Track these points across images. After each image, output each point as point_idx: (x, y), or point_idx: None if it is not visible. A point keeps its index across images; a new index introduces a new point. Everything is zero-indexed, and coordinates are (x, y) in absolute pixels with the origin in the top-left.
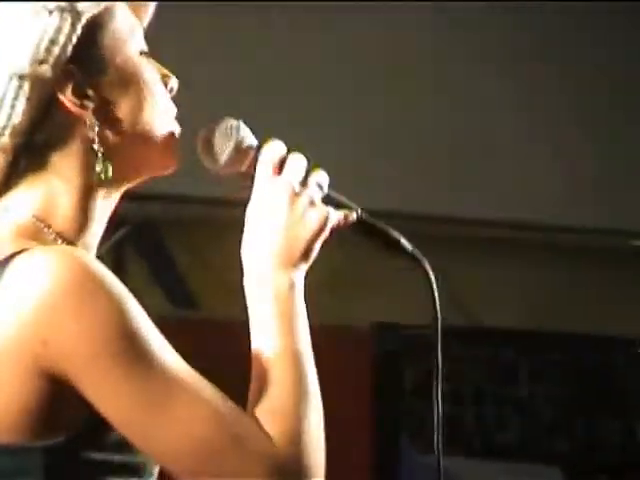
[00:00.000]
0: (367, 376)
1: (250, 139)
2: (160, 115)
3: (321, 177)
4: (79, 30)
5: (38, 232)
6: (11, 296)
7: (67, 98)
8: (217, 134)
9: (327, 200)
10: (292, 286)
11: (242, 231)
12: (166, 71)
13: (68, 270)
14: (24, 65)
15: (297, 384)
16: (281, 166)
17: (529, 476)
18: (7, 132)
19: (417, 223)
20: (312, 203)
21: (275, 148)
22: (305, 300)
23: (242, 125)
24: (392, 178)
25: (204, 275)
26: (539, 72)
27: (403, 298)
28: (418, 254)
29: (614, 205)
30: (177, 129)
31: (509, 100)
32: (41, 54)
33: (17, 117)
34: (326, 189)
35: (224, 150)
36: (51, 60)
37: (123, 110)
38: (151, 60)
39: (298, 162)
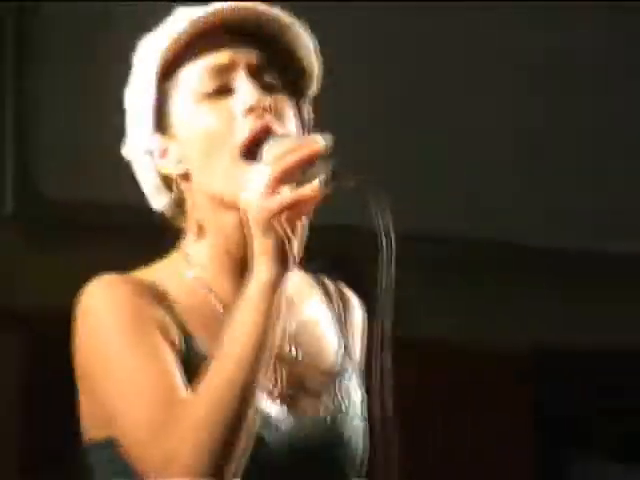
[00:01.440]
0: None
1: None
2: (222, 147)
3: (274, 172)
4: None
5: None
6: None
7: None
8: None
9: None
10: (249, 286)
11: None
12: (247, 99)
13: (84, 297)
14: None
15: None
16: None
17: None
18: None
19: None
20: (254, 203)
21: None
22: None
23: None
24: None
25: None
26: None
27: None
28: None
29: None
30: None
31: None
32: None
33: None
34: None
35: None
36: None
37: (192, 158)
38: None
39: (263, 169)
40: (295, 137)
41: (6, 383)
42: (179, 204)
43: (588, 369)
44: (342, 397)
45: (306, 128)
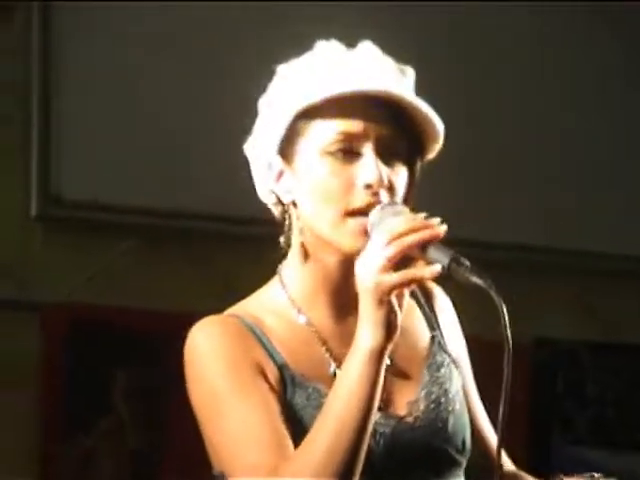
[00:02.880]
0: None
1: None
2: (335, 206)
3: (396, 247)
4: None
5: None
6: None
7: (275, 183)
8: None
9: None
10: (355, 365)
11: None
12: (369, 176)
13: (196, 339)
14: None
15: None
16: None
17: None
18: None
19: None
20: (371, 275)
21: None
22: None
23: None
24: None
25: None
26: None
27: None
28: (495, 297)
29: None
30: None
31: None
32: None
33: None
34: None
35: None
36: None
37: (305, 198)
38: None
39: (380, 239)
40: (405, 210)
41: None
42: (283, 218)
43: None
44: (437, 391)
45: (413, 187)
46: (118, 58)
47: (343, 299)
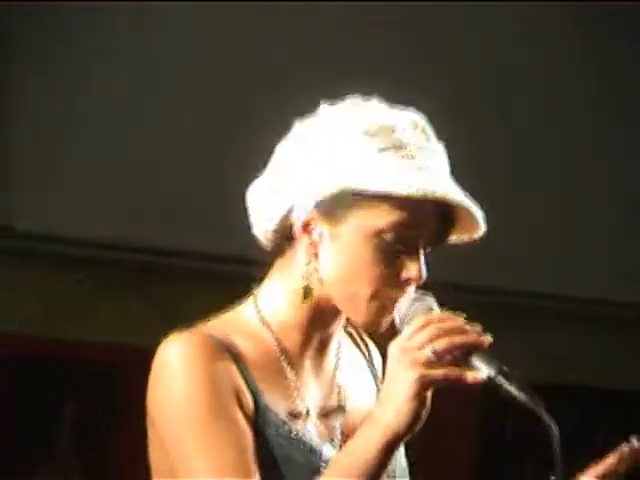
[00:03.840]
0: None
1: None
2: (359, 288)
3: (456, 340)
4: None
5: (260, 335)
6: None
7: (299, 229)
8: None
9: (470, 356)
10: (372, 448)
11: None
12: (413, 273)
13: (170, 354)
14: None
15: None
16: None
17: None
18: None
19: None
20: (414, 364)
21: (430, 320)
22: None
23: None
24: None
25: None
26: None
27: None
28: (544, 417)
29: None
30: (385, 320)
31: None
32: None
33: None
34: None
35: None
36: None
37: (329, 263)
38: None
39: (434, 329)
40: (434, 303)
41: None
42: (283, 252)
43: None
44: None
45: None
46: (67, 86)
47: (321, 335)
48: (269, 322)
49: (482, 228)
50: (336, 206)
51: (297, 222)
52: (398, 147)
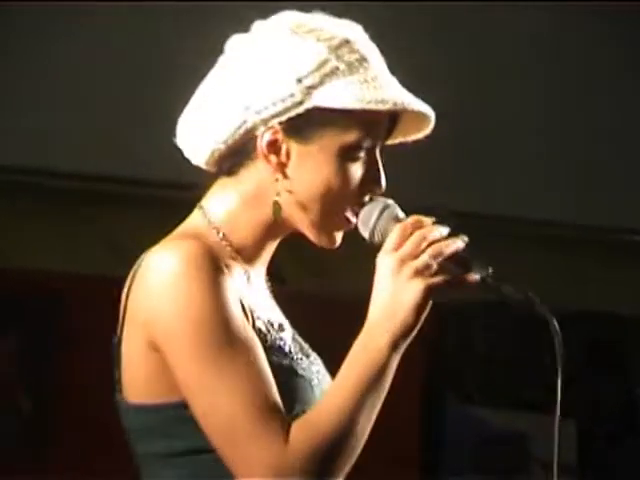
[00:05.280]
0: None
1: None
2: (332, 205)
3: (445, 247)
4: (308, 105)
5: (211, 239)
6: (137, 284)
7: (264, 148)
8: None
9: (459, 261)
10: (382, 355)
11: None
12: (377, 183)
13: (174, 262)
14: (262, 107)
15: (341, 413)
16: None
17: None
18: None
19: None
20: (417, 273)
21: (408, 227)
22: None
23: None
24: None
25: None
26: None
27: None
28: (546, 314)
29: None
30: (348, 225)
31: None
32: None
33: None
34: (451, 251)
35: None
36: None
37: (303, 183)
38: (370, 158)
39: (420, 236)
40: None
41: None
42: (244, 164)
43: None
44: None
45: None
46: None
47: (265, 251)
48: (219, 227)
49: (431, 124)
50: (304, 124)
51: (261, 140)
52: (360, 61)
